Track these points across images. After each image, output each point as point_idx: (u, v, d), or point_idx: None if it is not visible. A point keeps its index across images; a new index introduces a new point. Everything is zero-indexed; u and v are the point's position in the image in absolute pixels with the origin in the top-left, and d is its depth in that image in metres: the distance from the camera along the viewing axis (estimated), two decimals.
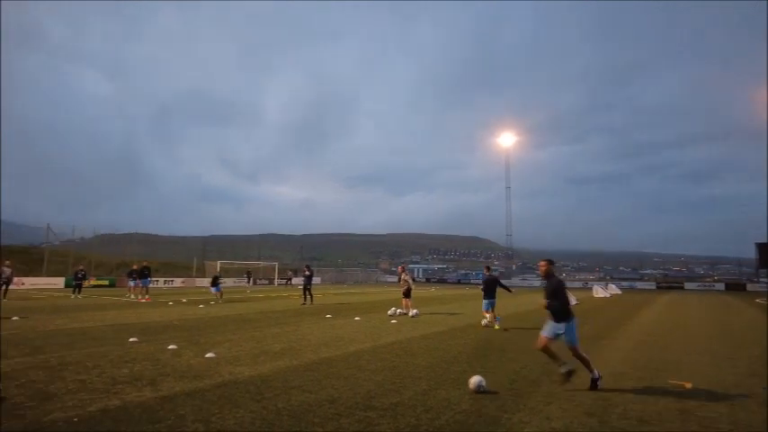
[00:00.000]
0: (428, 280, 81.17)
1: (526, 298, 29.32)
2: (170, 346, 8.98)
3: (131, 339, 9.77)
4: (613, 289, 37.43)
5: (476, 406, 5.52)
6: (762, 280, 57.41)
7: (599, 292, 32.78)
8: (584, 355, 6.63)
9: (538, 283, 63.47)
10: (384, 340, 10.47)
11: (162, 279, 41.09)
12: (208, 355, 8.22)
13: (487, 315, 13.42)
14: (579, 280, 71.72)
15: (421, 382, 6.63)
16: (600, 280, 66.36)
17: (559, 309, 6.60)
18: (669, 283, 63.17)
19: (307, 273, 21.32)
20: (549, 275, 6.95)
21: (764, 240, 55.00)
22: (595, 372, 6.51)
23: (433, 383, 6.54)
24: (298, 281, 53.06)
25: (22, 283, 31.75)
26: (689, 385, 6.69)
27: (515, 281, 69.49)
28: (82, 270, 25.85)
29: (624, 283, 59.57)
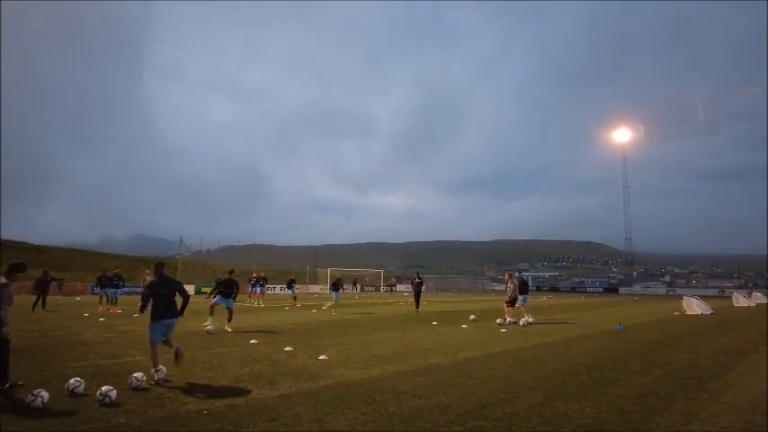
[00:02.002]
0: (538, 288, 77.64)
1: (649, 307, 26.83)
2: (286, 348, 9.45)
3: (252, 341, 10.45)
4: (760, 297, 32.83)
5: (599, 421, 5.08)
6: None
7: (740, 300, 28.96)
8: None
9: (663, 290, 58.04)
10: (494, 349, 10.10)
11: (278, 286, 43.76)
12: (320, 357, 8.52)
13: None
14: (713, 287, 64.02)
15: (536, 393, 6.26)
16: (740, 287, 58.77)
17: None
18: None
19: (417, 280, 21.89)
20: None
21: None
22: None
23: (550, 395, 6.14)
24: (402, 288, 53.70)
25: None
26: None
27: (636, 288, 63.86)
28: (263, 277, 27.53)
29: None
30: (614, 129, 73.57)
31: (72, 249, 48.07)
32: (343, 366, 7.83)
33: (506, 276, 17.61)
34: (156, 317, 6.83)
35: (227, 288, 13.69)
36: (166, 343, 6.98)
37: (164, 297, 6.88)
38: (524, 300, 16.34)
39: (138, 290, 26.19)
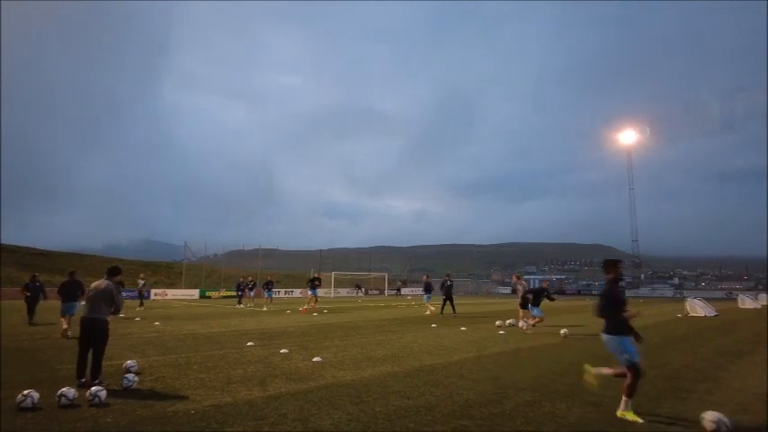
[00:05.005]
0: None
1: (653, 309, 26.66)
2: (282, 350, 9.51)
3: (248, 344, 10.52)
4: (766, 299, 32.53)
5: (584, 421, 5.10)
6: None
7: (746, 302, 28.71)
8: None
9: (671, 293, 57.63)
10: (489, 350, 10.11)
11: (283, 290, 43.91)
12: (315, 359, 8.57)
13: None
14: (722, 289, 63.41)
15: (524, 393, 6.27)
16: (749, 289, 58.19)
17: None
18: None
19: (448, 282, 20.72)
20: None
21: None
22: None
23: (538, 395, 6.16)
24: (407, 291, 53.65)
25: (166, 294, 35.87)
26: None
27: (644, 291, 63.39)
28: (251, 281, 27.94)
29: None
30: (621, 130, 73.17)
31: (76, 254, 48.34)
32: (336, 368, 7.87)
33: (514, 278, 17.41)
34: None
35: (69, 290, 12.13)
36: None
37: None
38: (539, 312, 14.55)
39: (131, 294, 26.54)
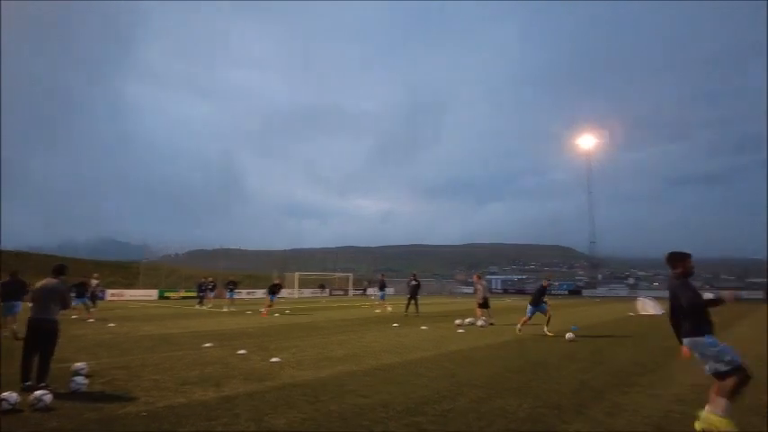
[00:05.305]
0: (506, 291, 78.86)
1: (607, 308, 27.65)
2: (240, 351, 9.43)
3: (206, 345, 10.36)
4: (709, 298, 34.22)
5: (533, 415, 5.29)
6: None
7: None
8: None
9: (625, 292, 59.70)
10: (447, 349, 10.30)
11: (245, 291, 43.24)
12: (273, 359, 8.54)
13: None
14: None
15: (478, 390, 6.45)
16: (699, 288, 60.93)
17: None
18: None
19: (413, 282, 20.55)
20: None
21: None
22: None
23: (491, 392, 6.34)
24: (372, 291, 53.70)
25: (122, 295, 34.77)
26: None
27: (601, 291, 65.62)
28: (212, 281, 27.44)
29: (726, 293, 54.22)
30: (581, 135, 75.52)
31: (24, 253, 46.12)
32: (293, 368, 7.87)
33: (475, 278, 17.68)
34: None
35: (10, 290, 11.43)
36: None
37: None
38: (543, 309, 13.30)
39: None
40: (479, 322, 15.45)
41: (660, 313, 21.79)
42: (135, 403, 5.54)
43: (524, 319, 13.43)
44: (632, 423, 5.03)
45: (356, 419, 5.04)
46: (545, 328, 13.06)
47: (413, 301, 19.81)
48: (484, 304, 15.94)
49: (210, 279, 27.78)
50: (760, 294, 56.99)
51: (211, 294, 26.43)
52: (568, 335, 12.11)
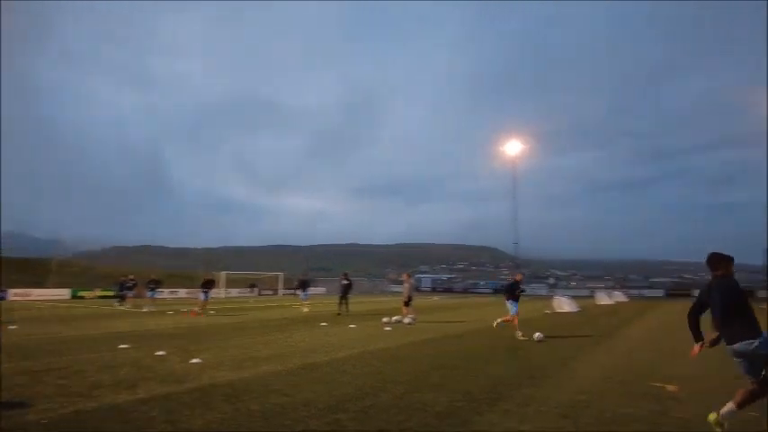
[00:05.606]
0: (434, 289, 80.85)
1: (527, 306, 29.15)
2: (158, 353, 9.03)
3: (121, 346, 9.84)
4: (619, 296, 37.07)
5: (450, 409, 5.50)
6: None
7: (602, 299, 32.49)
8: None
9: (545, 291, 63.00)
10: (374, 347, 10.45)
11: (167, 290, 41.29)
12: (193, 360, 8.26)
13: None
14: (588, 288, 71.19)
15: (400, 386, 6.60)
16: (608, 289, 65.74)
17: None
18: (678, 291, 62.36)
19: (345, 281, 20.53)
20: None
21: None
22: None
23: (412, 387, 6.52)
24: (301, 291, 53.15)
25: (29, 295, 32.12)
26: (672, 388, 6.61)
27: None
28: (132, 280, 25.81)
29: (633, 291, 58.91)
30: (508, 140, 79.05)
31: None
32: (214, 369, 7.66)
33: (404, 276, 18.06)
34: None
35: None
36: None
37: None
38: (514, 309, 12.63)
39: None
40: (406, 320, 15.81)
41: (575, 310, 23.34)
42: (35, 411, 5.16)
43: (511, 317, 12.65)
44: (541, 412, 5.38)
45: (278, 419, 5.01)
46: (498, 320, 13.06)
47: (344, 301, 19.91)
48: (408, 302, 16.40)
49: (131, 277, 26.30)
50: (661, 292, 62.33)
51: (130, 293, 25.02)
52: (536, 335, 11.87)
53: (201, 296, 19.78)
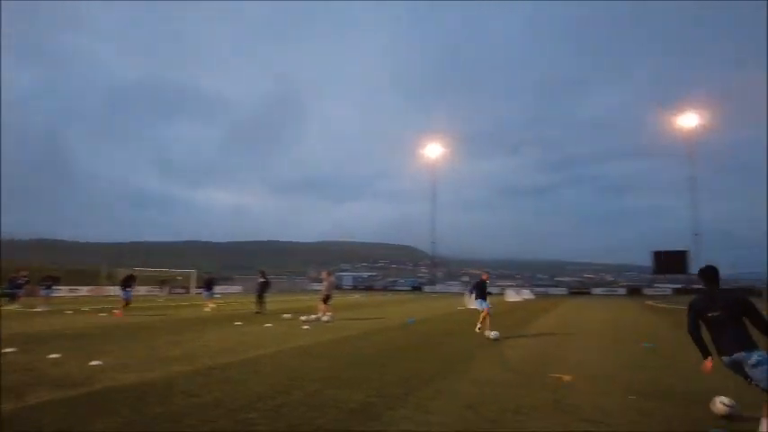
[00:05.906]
0: (355, 287, 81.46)
1: (442, 303, 30.15)
2: (51, 356, 8.33)
3: (8, 350, 8.95)
4: (526, 294, 39.51)
5: (363, 405, 5.60)
6: (657, 285, 63.21)
7: (511, 296, 34.44)
8: None
9: (456, 289, 65.60)
10: (289, 345, 10.35)
11: (66, 287, 38.02)
12: (92, 363, 7.72)
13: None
14: (498, 286, 75.22)
15: (314, 383, 6.61)
16: (517, 287, 69.80)
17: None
18: (579, 289, 67.69)
19: (261, 279, 20.04)
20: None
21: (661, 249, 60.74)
22: None
23: (326, 384, 6.55)
24: (218, 289, 51.16)
25: None
26: (568, 378, 7.18)
27: (439, 287, 71.53)
28: (24, 276, 23.53)
29: (539, 289, 62.98)
30: (429, 143, 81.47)
31: None
32: (117, 371, 7.21)
33: (324, 274, 18.02)
34: None
35: None
36: None
37: None
38: (486, 304, 13.14)
39: None
40: (325, 318, 15.80)
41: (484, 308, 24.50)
42: None
43: (483, 314, 12.95)
44: (450, 404, 5.63)
45: (185, 420, 4.84)
46: (478, 325, 13.10)
47: (261, 299, 19.61)
48: (327, 300, 16.43)
49: (24, 274, 23.95)
50: (564, 291, 67.18)
51: (21, 292, 22.80)
52: (493, 333, 12.07)
53: (122, 294, 18.30)
